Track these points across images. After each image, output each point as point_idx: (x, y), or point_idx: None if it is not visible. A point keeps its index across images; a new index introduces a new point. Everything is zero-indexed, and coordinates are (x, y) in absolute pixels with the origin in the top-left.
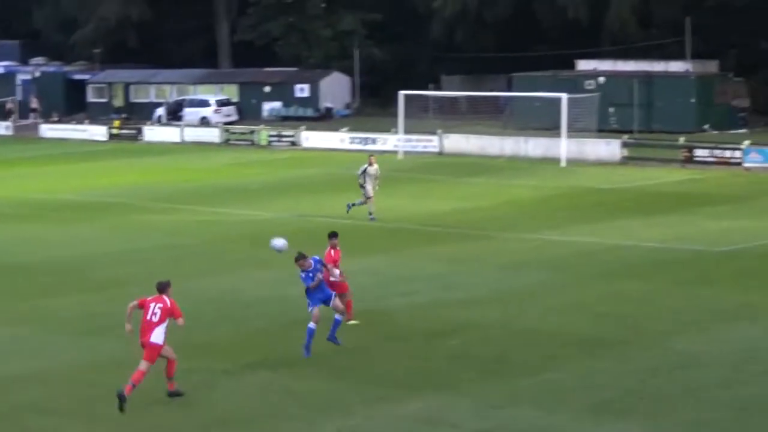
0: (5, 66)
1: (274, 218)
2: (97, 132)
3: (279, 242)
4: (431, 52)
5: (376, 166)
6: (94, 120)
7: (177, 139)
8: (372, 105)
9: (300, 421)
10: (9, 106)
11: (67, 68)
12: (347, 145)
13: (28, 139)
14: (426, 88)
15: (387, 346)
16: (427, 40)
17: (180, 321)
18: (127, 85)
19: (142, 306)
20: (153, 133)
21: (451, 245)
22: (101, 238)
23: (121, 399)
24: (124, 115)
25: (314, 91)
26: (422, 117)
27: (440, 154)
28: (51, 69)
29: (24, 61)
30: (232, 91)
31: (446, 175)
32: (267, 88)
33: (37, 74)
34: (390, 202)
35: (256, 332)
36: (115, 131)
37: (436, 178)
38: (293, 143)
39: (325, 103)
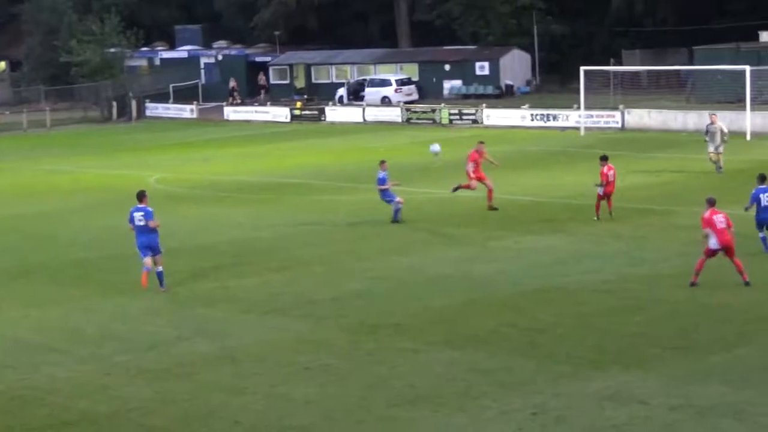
0: (189, 50)
1: (454, 197)
2: (280, 113)
3: (435, 147)
4: (610, 27)
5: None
6: (276, 102)
7: (359, 119)
8: (552, 81)
9: (487, 399)
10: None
11: (248, 51)
12: (528, 123)
13: (212, 122)
14: (605, 63)
15: (571, 323)
16: (606, 15)
17: None
18: (308, 67)
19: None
20: (335, 113)
21: (634, 220)
22: (284, 219)
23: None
24: (305, 97)
25: (494, 68)
26: (603, 92)
27: (622, 129)
28: (233, 52)
29: (207, 45)
30: (412, 70)
31: (629, 151)
32: (447, 67)
33: (220, 57)
34: (571, 179)
35: (439, 310)
36: (297, 112)
37: (618, 154)
38: (474, 121)
39: (505, 81)
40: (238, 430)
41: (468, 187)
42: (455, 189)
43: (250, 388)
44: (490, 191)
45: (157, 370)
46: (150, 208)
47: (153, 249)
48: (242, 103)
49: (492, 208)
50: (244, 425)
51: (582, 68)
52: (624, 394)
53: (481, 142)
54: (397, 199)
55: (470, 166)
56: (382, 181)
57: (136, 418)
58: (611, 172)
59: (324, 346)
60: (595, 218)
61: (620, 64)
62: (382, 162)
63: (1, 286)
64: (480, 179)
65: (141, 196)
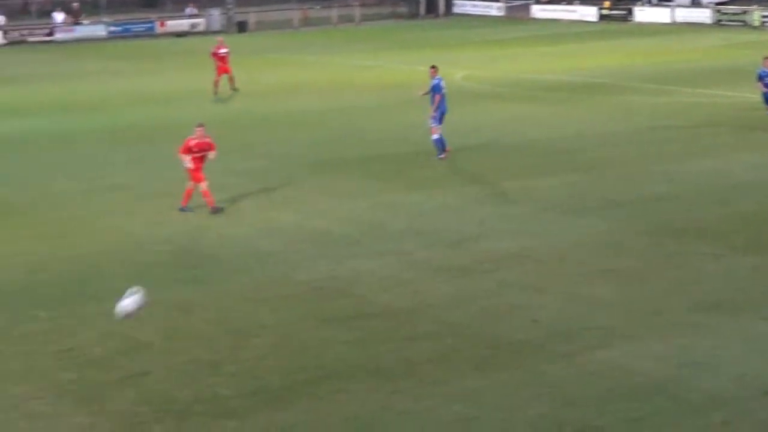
0: None
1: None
2: (588, 13)
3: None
4: None
5: None
6: (584, 1)
7: (667, 20)
8: None
9: None
10: None
11: None
12: None
13: (519, 19)
14: None
15: None
16: None
17: None
18: None
19: None
20: (643, 14)
21: None
22: (588, 119)
23: None
24: None
25: None
26: None
27: None
28: None
29: None
30: None
31: None
32: None
33: None
34: None
35: (743, 215)
36: (605, 12)
37: None
38: None
39: None
40: (537, 329)
41: None
42: None
43: (549, 287)
44: None
45: (458, 267)
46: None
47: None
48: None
49: None
50: (543, 324)
51: None
52: None
53: None
54: None
55: None
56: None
57: (435, 313)
58: None
59: (624, 248)
60: None
61: None
62: (766, 58)
63: (312, 179)
64: None
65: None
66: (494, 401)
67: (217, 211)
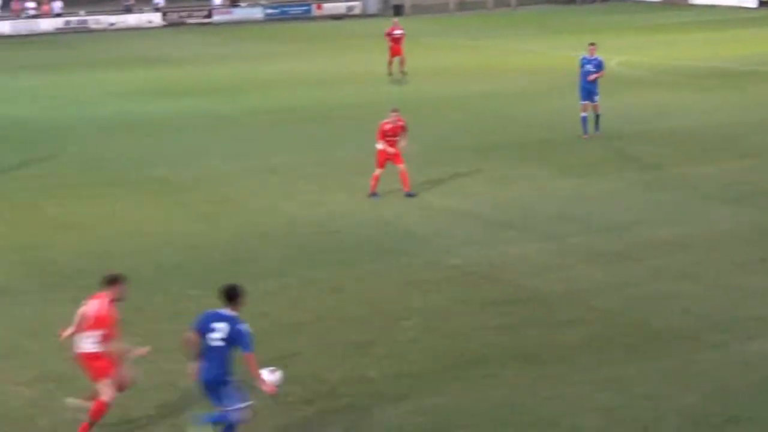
0: None
1: None
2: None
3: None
4: None
5: None
6: None
7: None
8: None
9: None
10: None
11: None
12: None
13: (676, 5)
14: None
15: None
16: None
17: None
18: None
19: None
20: None
21: None
22: (750, 106)
23: None
24: None
25: None
26: None
27: None
28: None
29: None
30: None
31: None
32: None
33: None
34: None
35: None
36: None
37: None
38: None
39: None
40: (689, 318)
41: None
42: None
43: (702, 276)
44: None
45: (610, 253)
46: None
47: (591, 95)
48: None
49: None
50: (695, 313)
51: None
52: None
53: None
54: None
55: None
56: None
57: (586, 298)
58: None
59: None
60: None
61: None
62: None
63: (469, 163)
64: None
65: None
66: (643, 389)
67: (411, 195)
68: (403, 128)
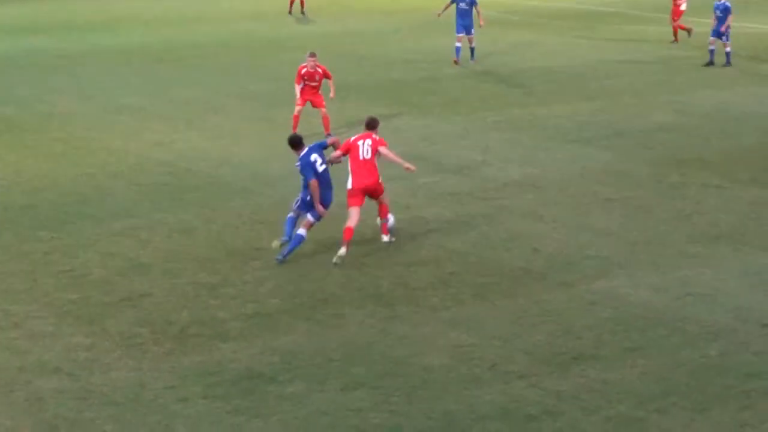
0: None
1: None
2: None
3: None
4: None
5: None
6: None
7: None
8: None
9: None
10: None
11: None
12: None
13: None
14: None
15: None
16: None
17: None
18: None
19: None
20: None
21: None
22: (596, 48)
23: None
24: None
25: None
26: None
27: None
28: None
29: None
30: None
31: None
32: None
33: None
34: None
35: (747, 148)
36: None
37: None
38: None
39: None
40: (537, 258)
41: None
42: None
43: (550, 216)
44: None
45: (460, 194)
46: None
47: (468, 29)
48: None
49: None
50: (543, 253)
51: None
52: None
53: None
54: None
55: None
56: None
57: (436, 239)
58: None
59: (627, 178)
60: None
61: None
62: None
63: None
64: None
65: None
66: (492, 329)
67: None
68: (325, 74)
